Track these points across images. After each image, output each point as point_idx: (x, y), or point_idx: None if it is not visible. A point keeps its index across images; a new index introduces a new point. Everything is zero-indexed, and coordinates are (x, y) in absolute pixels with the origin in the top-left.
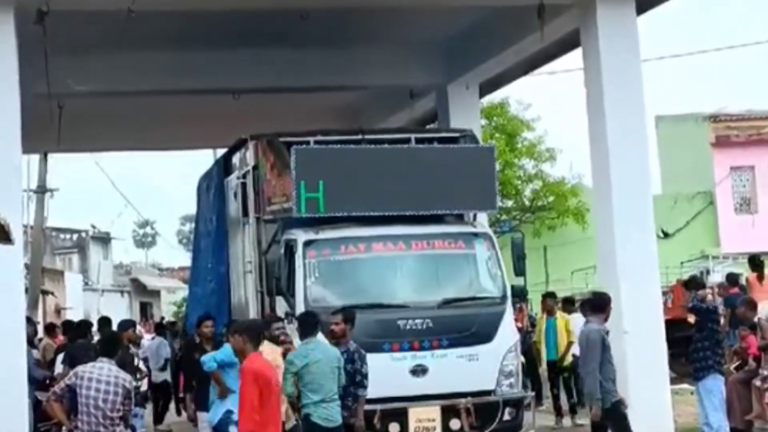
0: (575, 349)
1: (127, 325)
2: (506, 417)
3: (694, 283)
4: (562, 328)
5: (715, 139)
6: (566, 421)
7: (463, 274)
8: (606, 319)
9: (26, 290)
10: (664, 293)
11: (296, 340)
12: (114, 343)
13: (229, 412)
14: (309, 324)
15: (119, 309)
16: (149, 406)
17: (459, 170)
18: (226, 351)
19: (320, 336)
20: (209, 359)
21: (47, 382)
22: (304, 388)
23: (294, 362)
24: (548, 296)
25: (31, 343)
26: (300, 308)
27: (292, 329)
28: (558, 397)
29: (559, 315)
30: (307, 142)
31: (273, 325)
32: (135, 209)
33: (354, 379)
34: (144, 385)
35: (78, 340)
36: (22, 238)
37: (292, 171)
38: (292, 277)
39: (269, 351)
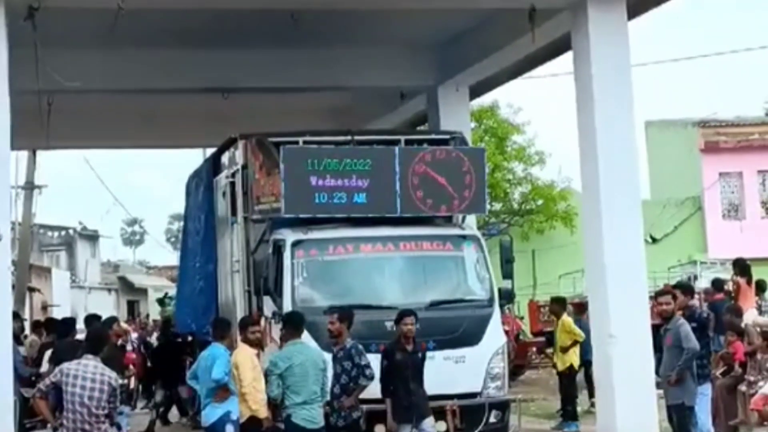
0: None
1: (111, 321)
2: (492, 419)
3: (689, 289)
4: (562, 332)
5: (703, 145)
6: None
7: (450, 277)
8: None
9: (13, 287)
10: (652, 298)
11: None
12: (99, 340)
13: (228, 412)
14: (293, 325)
15: (106, 307)
16: None
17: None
18: (224, 358)
19: (306, 336)
20: (221, 375)
21: (33, 379)
22: (287, 390)
23: (278, 364)
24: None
25: (18, 339)
26: (287, 308)
27: (279, 329)
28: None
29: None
30: (296, 142)
31: (249, 328)
32: (123, 207)
33: (351, 374)
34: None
35: (65, 338)
36: (10, 235)
37: (281, 171)
38: (280, 276)
39: (245, 353)
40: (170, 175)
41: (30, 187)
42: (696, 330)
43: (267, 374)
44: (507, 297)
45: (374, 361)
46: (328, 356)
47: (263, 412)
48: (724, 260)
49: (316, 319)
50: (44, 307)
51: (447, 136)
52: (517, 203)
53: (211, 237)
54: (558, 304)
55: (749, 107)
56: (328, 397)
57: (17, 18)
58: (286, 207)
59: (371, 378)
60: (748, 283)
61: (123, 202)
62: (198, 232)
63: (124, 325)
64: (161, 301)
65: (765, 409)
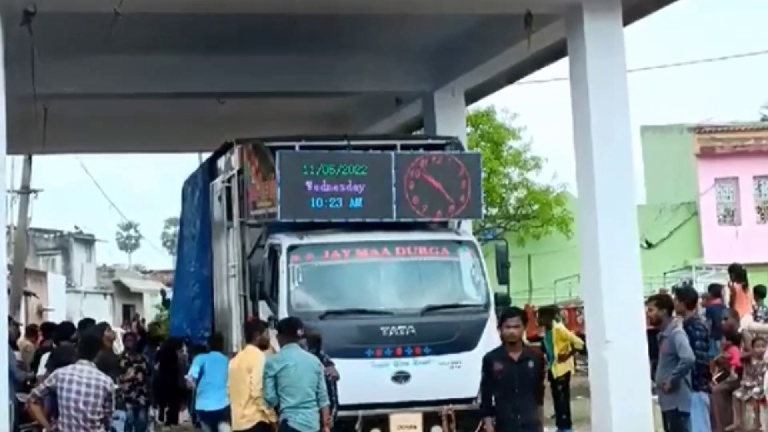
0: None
1: (102, 327)
2: None
3: (692, 298)
4: (558, 340)
5: (699, 150)
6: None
7: (446, 282)
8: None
9: (8, 291)
10: (647, 303)
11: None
12: (94, 344)
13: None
14: (289, 329)
15: (102, 311)
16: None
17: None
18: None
19: None
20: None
21: (29, 383)
22: (282, 392)
23: (272, 366)
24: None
25: (14, 344)
26: (283, 313)
27: (274, 333)
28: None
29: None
30: (293, 147)
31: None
32: (119, 211)
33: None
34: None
35: (62, 343)
36: (6, 239)
37: (276, 175)
38: (276, 281)
39: (259, 357)
40: (166, 180)
41: (26, 191)
42: (695, 340)
43: (263, 377)
44: (503, 302)
45: (364, 366)
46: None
47: (273, 417)
48: (720, 266)
49: (311, 325)
50: (40, 312)
51: (443, 141)
52: (513, 208)
53: (207, 241)
54: (546, 314)
55: (745, 112)
56: (327, 402)
57: (14, 23)
58: (281, 212)
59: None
60: (744, 288)
61: (119, 206)
62: (194, 237)
63: (119, 329)
64: (164, 301)
65: None
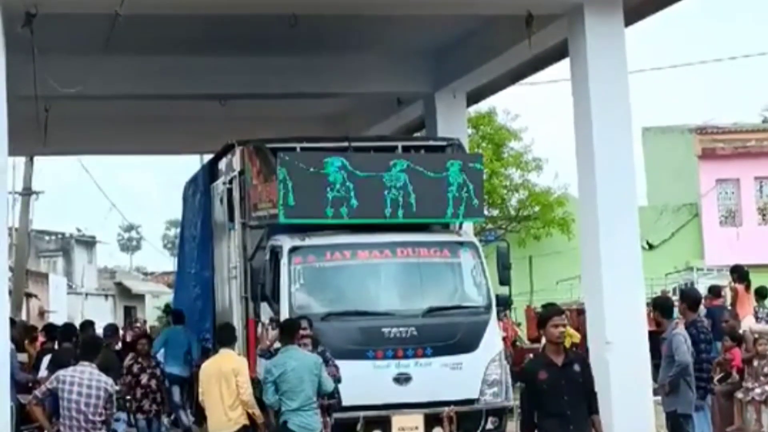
0: None
1: (115, 330)
2: (489, 426)
3: (696, 300)
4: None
5: (701, 152)
6: None
7: (447, 283)
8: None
9: (10, 293)
10: (648, 305)
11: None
12: (95, 346)
13: None
14: (289, 331)
15: (103, 313)
16: None
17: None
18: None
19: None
20: None
21: (30, 385)
22: (282, 396)
23: (271, 371)
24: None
25: (17, 345)
26: (284, 314)
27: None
28: None
29: None
30: (294, 149)
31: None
32: (120, 213)
33: None
34: None
35: (63, 344)
36: (7, 241)
37: (277, 177)
38: (277, 283)
39: (243, 360)
40: (167, 182)
41: (27, 192)
42: (699, 342)
43: (263, 381)
44: (504, 303)
45: (365, 368)
46: None
47: (260, 420)
48: (721, 267)
49: (314, 326)
50: (41, 313)
51: (444, 143)
52: (514, 209)
53: (208, 243)
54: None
55: (746, 114)
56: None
57: (15, 24)
58: (282, 213)
59: None
60: (747, 289)
61: (120, 208)
62: (195, 239)
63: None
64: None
65: None
